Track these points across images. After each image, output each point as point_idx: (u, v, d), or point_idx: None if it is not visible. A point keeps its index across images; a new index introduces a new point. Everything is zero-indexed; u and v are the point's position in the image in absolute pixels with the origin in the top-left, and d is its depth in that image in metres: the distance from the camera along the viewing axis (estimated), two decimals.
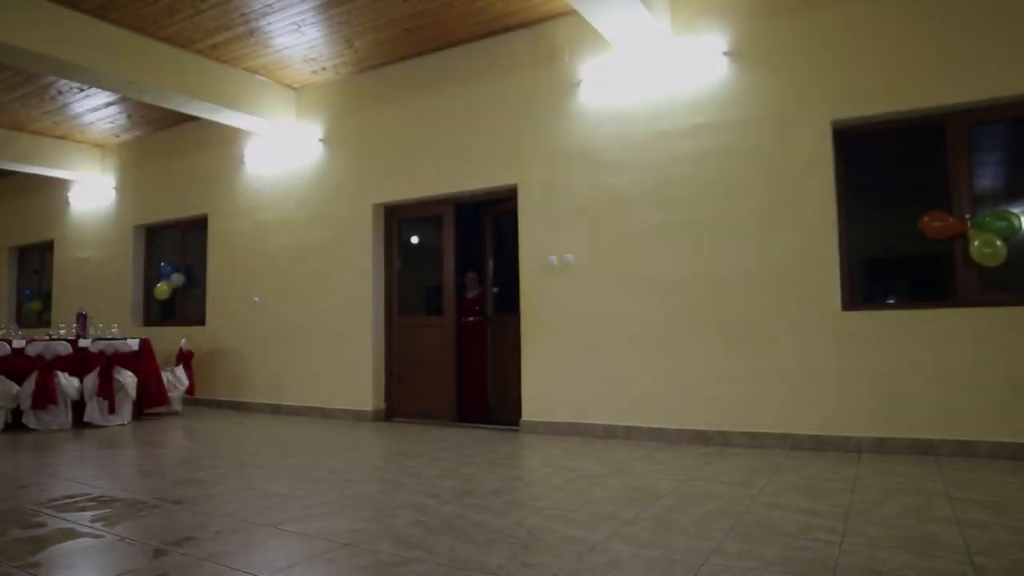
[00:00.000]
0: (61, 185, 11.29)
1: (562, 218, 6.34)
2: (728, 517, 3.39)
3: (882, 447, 4.97)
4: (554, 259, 6.33)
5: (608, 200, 6.11)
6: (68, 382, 7.12)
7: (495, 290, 7.35)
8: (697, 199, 5.73)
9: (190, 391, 8.33)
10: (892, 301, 5.39)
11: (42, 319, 11.91)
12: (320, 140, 8.12)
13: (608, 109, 6.17)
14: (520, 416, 6.51)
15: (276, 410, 8.25)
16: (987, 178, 5.27)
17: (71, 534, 3.24)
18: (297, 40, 6.97)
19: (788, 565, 2.68)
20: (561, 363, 6.27)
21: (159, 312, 10.17)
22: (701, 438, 5.59)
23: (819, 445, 5.15)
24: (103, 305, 10.18)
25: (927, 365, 4.88)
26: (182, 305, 9.81)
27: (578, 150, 6.29)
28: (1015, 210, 4.92)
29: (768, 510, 3.51)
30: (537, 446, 5.69)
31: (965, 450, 4.73)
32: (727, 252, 5.59)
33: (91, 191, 10.86)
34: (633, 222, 5.99)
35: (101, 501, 3.90)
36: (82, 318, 8.07)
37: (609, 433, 5.98)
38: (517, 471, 4.72)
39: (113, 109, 9.03)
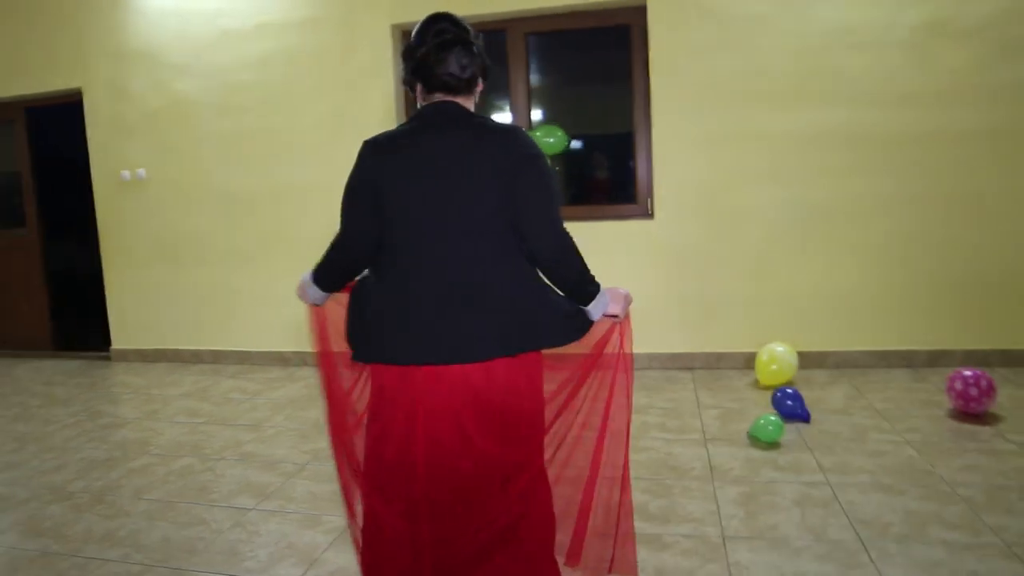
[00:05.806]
0: None
1: (131, 127, 5.67)
2: None
3: None
4: (126, 174, 5.71)
5: (175, 107, 5.53)
6: None
7: None
8: (264, 107, 5.33)
9: None
10: None
11: None
12: None
13: (169, 3, 5.46)
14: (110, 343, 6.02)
15: None
16: None
17: None
18: None
19: None
20: (146, 287, 5.79)
21: None
22: (281, 360, 5.47)
23: None
24: None
25: None
26: None
27: (143, 50, 5.56)
28: None
29: None
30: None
31: None
32: (295, 164, 5.30)
33: None
34: (200, 132, 5.49)
35: None
36: None
37: (196, 358, 5.70)
38: None
39: None
